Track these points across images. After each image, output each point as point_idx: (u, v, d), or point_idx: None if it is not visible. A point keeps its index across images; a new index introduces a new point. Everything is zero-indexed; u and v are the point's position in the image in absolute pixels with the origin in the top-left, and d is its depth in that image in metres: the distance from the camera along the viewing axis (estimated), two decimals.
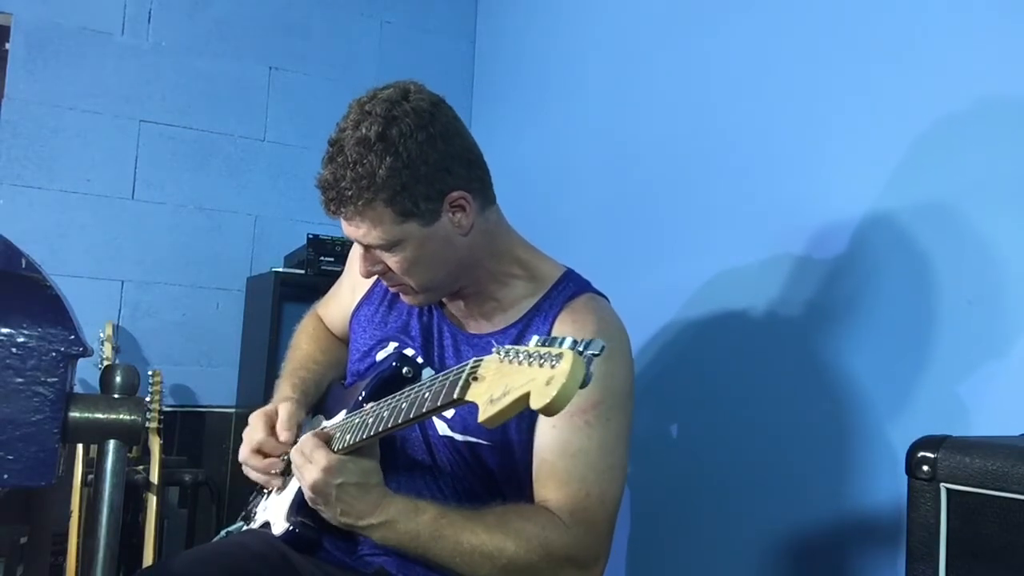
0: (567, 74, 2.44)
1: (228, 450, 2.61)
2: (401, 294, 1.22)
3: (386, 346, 1.27)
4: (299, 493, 1.16)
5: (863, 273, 1.46)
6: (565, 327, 1.16)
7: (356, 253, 1.38)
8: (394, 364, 1.18)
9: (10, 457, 0.72)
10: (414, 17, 3.00)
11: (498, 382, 0.76)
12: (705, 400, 1.76)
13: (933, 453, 0.92)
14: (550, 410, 0.68)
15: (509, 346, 0.78)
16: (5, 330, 0.72)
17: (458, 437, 1.18)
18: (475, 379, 0.82)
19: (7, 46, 2.46)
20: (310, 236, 2.46)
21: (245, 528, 1.27)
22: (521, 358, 0.74)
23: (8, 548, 1.85)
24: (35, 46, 2.46)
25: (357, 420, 1.07)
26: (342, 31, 2.88)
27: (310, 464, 1.05)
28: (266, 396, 1.39)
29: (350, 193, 1.07)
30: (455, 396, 0.84)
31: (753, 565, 1.62)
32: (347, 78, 2.84)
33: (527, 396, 0.71)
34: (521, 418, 0.77)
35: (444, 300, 1.26)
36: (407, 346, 1.25)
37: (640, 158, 2.07)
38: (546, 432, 1.12)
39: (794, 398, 1.57)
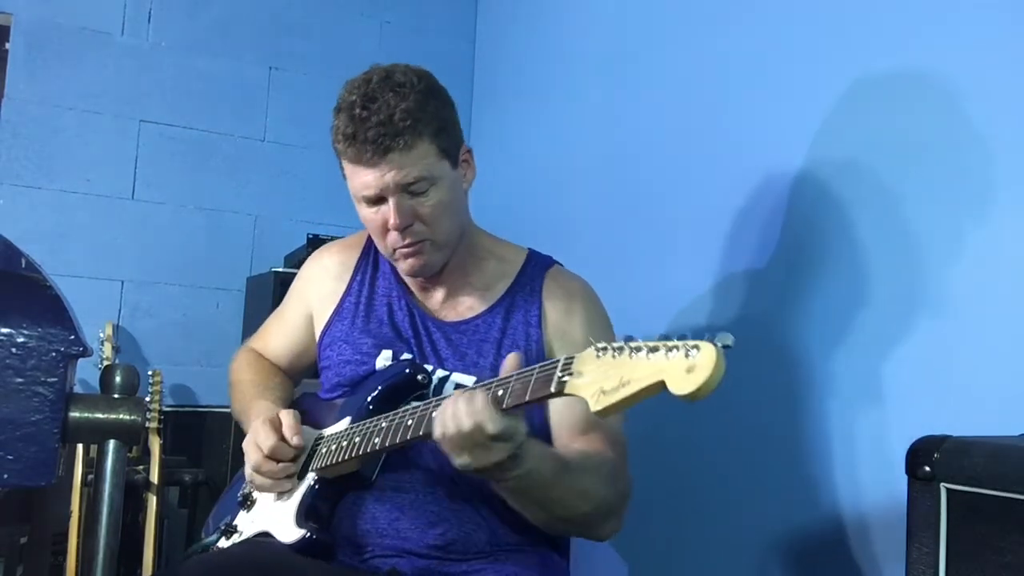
0: (567, 74, 2.44)
1: (228, 450, 2.61)
2: (413, 258, 1.21)
3: (380, 352, 1.26)
4: (306, 497, 1.15)
5: (863, 273, 1.46)
6: (555, 292, 1.26)
7: (309, 273, 1.41)
8: (407, 371, 1.18)
9: (10, 457, 0.72)
10: (414, 17, 3.00)
11: (607, 374, 0.79)
12: (704, 400, 1.76)
13: (933, 453, 0.92)
14: (697, 395, 0.73)
15: (604, 343, 0.82)
16: (5, 330, 0.72)
17: None
18: (570, 374, 0.84)
19: (7, 46, 2.46)
20: (310, 236, 2.46)
21: (237, 540, 1.24)
22: (628, 353, 0.78)
23: (8, 548, 1.86)
24: (35, 46, 2.46)
25: (397, 420, 1.07)
26: (342, 31, 2.88)
27: (489, 448, 0.95)
28: None
29: (404, 124, 1.12)
30: (552, 390, 0.85)
31: (753, 565, 1.62)
32: (347, 78, 2.81)
33: (661, 384, 0.75)
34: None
35: (419, 295, 1.30)
36: (402, 351, 1.25)
37: (640, 158, 2.07)
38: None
39: (793, 398, 1.57)
